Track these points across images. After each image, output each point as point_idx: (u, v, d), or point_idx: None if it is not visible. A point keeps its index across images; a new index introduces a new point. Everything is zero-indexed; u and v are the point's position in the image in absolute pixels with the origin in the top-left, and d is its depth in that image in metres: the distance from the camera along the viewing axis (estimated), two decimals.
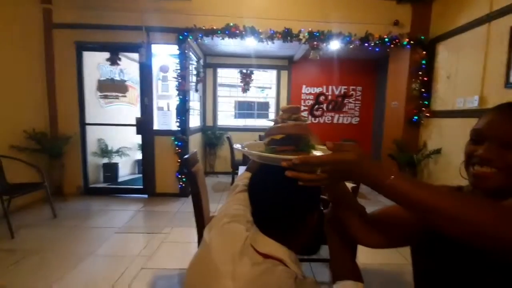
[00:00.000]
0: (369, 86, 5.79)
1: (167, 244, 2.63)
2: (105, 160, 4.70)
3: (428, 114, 3.82)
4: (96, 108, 4.48)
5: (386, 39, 3.76)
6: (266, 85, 6.04)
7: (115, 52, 3.98)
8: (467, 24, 3.20)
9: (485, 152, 0.62)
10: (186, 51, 3.81)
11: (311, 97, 5.80)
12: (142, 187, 4.12)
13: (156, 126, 4.06)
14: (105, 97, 4.58)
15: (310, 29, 3.72)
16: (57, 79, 3.86)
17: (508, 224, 0.45)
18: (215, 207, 3.59)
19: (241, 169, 2.72)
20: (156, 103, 4.25)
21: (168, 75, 4.32)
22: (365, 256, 2.28)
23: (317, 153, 0.67)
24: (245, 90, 5.69)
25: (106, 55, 4.00)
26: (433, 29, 3.81)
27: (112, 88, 4.59)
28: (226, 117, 6.01)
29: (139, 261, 2.31)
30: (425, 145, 3.89)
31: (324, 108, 5.84)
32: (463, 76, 3.28)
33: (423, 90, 3.84)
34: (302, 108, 5.78)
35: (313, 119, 5.80)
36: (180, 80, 3.79)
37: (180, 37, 3.72)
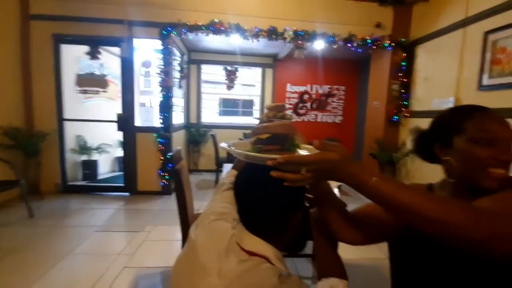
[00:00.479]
0: (352, 86, 5.93)
1: (149, 242, 2.59)
2: (84, 157, 4.54)
3: (407, 114, 3.97)
4: (75, 103, 4.31)
5: (369, 41, 3.86)
6: (251, 82, 6.04)
7: (95, 45, 3.85)
8: (444, 28, 3.34)
9: (506, 154, 0.65)
10: (169, 47, 3.74)
11: (296, 95, 5.86)
12: (123, 185, 4.02)
13: (138, 123, 3.97)
14: (84, 92, 4.41)
15: (295, 28, 3.75)
16: (33, 73, 3.68)
17: (478, 225, 0.48)
18: (199, 204, 3.57)
19: (226, 167, 2.71)
20: (138, 99, 4.14)
21: (151, 71, 4.22)
22: (345, 251, 2.34)
23: (302, 152, 0.68)
24: (229, 87, 5.66)
25: (86, 48, 3.86)
26: (413, 32, 3.95)
27: (91, 82, 4.43)
28: (210, 114, 5.96)
29: (121, 260, 2.26)
30: (404, 144, 4.04)
31: (308, 106, 5.92)
32: (440, 78, 3.42)
33: (403, 90, 3.97)
34: (287, 106, 5.83)
35: (297, 117, 5.87)
36: (163, 76, 3.72)
37: (164, 32, 3.65)
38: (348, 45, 3.86)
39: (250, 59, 5.56)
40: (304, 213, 0.69)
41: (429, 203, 0.51)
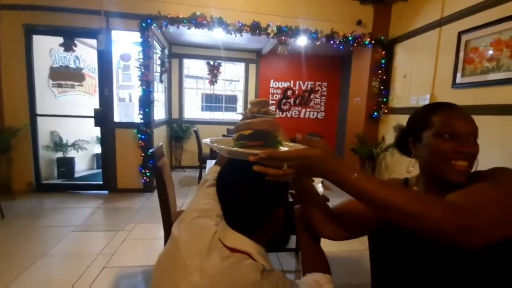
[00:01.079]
0: (334, 82, 6.03)
1: (130, 241, 2.53)
2: (60, 155, 4.34)
3: (386, 111, 4.09)
4: (49, 97, 4.10)
5: (350, 38, 3.92)
6: (234, 78, 5.99)
7: (69, 37, 3.66)
8: (421, 27, 3.46)
9: (468, 147, 0.68)
10: (149, 40, 3.62)
11: (279, 91, 5.89)
12: (101, 182, 3.89)
13: (117, 118, 3.84)
14: (59, 86, 4.21)
15: (278, 23, 3.74)
16: (3, 65, 3.45)
17: (449, 219, 0.52)
18: (181, 201, 3.52)
19: (209, 163, 2.69)
20: (117, 93, 4.00)
21: (130, 64, 4.07)
22: (327, 245, 2.40)
23: (284, 148, 0.69)
24: (212, 82, 5.59)
25: (60, 40, 3.66)
26: (392, 30, 4.05)
27: (66, 76, 4.23)
28: (192, 110, 5.86)
29: (100, 260, 2.19)
30: (383, 139, 4.17)
31: (292, 102, 5.96)
32: (417, 76, 3.55)
33: (382, 87, 4.08)
34: (270, 102, 5.85)
35: (280, 113, 5.90)
36: (143, 70, 3.61)
37: (143, 24, 3.53)
38: (331, 42, 3.91)
39: (233, 54, 5.51)
40: (287, 209, 0.70)
41: (405, 199, 0.54)
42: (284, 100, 5.92)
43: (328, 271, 0.75)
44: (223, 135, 4.78)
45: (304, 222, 0.86)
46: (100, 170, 4.17)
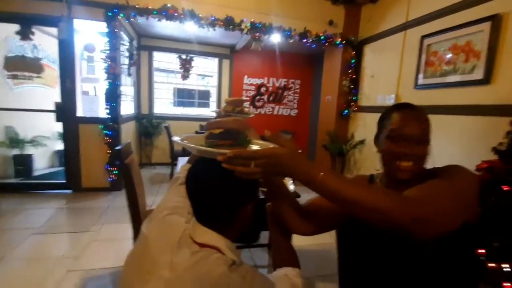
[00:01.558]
0: (307, 80, 6.14)
1: (97, 243, 2.41)
2: (16, 151, 4.00)
3: (355, 109, 4.25)
4: (3, 89, 3.75)
5: (322, 37, 4.01)
6: (207, 73, 5.88)
7: (27, 24, 3.36)
8: (388, 30, 3.62)
9: (409, 149, 0.75)
10: (116, 30, 3.43)
11: (253, 87, 5.88)
12: (64, 181, 3.65)
13: (80, 113, 3.61)
14: (14, 77, 3.86)
15: (252, 19, 3.72)
16: None
17: (403, 211, 0.57)
18: (152, 200, 3.41)
19: (181, 160, 2.63)
20: (81, 86, 3.75)
21: (95, 56, 3.83)
22: (296, 239, 2.47)
23: (256, 147, 0.71)
24: (184, 77, 5.45)
25: (16, 27, 3.35)
26: (362, 31, 4.21)
27: (23, 66, 3.89)
28: (164, 105, 5.68)
29: (64, 263, 2.07)
30: (352, 137, 4.34)
31: (265, 99, 5.99)
32: (384, 76, 3.72)
33: (352, 86, 4.23)
34: (244, 98, 5.83)
35: (254, 109, 5.91)
36: (109, 62, 3.41)
37: (109, 13, 3.33)
38: (303, 40, 3.97)
39: (207, 48, 5.40)
40: (256, 205, 0.71)
41: (367, 195, 0.58)
42: (258, 97, 5.94)
43: (297, 265, 0.79)
44: (196, 132, 4.70)
45: (275, 219, 0.88)
46: (62, 168, 3.90)
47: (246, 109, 1.17)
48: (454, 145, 2.60)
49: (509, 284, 1.40)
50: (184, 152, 4.05)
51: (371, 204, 0.58)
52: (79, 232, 2.56)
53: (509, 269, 1.40)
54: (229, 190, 0.64)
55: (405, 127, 0.76)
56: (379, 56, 3.84)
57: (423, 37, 3.03)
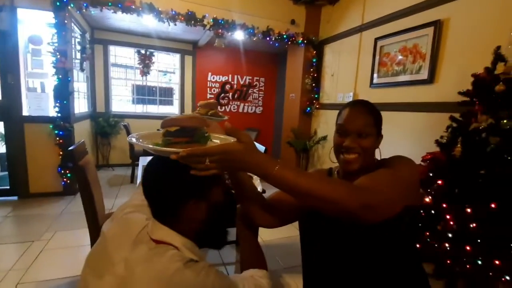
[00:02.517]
0: (271, 78, 6.23)
1: (49, 251, 2.21)
2: None
3: (317, 106, 4.42)
4: None
5: (284, 36, 4.09)
6: (169, 69, 5.68)
7: None
8: (346, 31, 3.82)
9: (350, 143, 0.82)
10: (66, 22, 3.16)
11: (217, 85, 5.82)
12: (8, 187, 3.29)
13: (25, 112, 3.27)
14: None
15: (215, 15, 3.67)
16: None
17: (351, 198, 0.62)
18: (111, 203, 3.23)
19: (142, 160, 2.51)
20: (26, 82, 3.39)
21: (42, 49, 3.48)
22: (264, 233, 2.53)
23: (216, 141, 0.71)
24: (144, 73, 5.20)
25: None
26: (322, 32, 4.37)
27: None
28: (122, 103, 5.36)
29: (12, 276, 1.87)
30: (315, 133, 4.51)
31: (230, 97, 5.96)
32: (343, 75, 3.92)
33: (314, 84, 4.39)
34: (209, 96, 5.74)
35: (219, 107, 5.85)
36: (59, 56, 3.13)
37: (57, 3, 3.05)
38: (267, 38, 4.02)
39: (168, 43, 5.21)
40: (212, 205, 0.69)
41: (319, 185, 0.62)
42: (222, 94, 5.88)
43: (264, 267, 0.80)
44: (158, 130, 4.52)
45: (244, 221, 0.90)
46: (6, 173, 3.51)
47: (220, 113, 1.17)
48: (404, 139, 2.83)
49: (449, 261, 1.57)
50: (146, 152, 3.88)
51: (323, 194, 0.61)
52: (27, 242, 2.32)
53: (448, 249, 1.57)
54: (172, 182, 0.64)
55: (348, 122, 0.84)
56: (338, 56, 4.03)
57: (377, 39, 3.24)
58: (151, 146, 0.62)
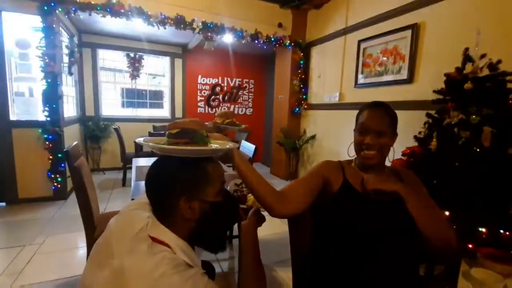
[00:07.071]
0: (261, 80, 6.33)
1: (41, 255, 2.22)
2: None
3: (306, 106, 4.54)
4: None
5: (272, 39, 4.20)
6: (158, 72, 5.69)
7: None
8: (331, 34, 3.95)
9: (371, 140, 0.93)
10: (54, 26, 3.17)
11: (207, 87, 5.87)
12: None
13: (13, 116, 3.25)
14: None
15: (204, 19, 3.73)
16: None
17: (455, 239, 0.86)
18: (103, 206, 3.24)
19: (135, 162, 2.54)
20: (13, 86, 3.36)
21: (29, 53, 3.47)
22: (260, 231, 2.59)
23: (212, 145, 0.79)
24: (134, 76, 5.21)
25: None
26: (308, 34, 4.50)
27: None
28: (112, 106, 5.34)
29: (4, 281, 1.88)
30: (304, 133, 4.62)
31: (220, 99, 6.02)
32: (329, 76, 4.05)
33: (302, 86, 4.51)
34: (199, 98, 5.79)
35: (209, 109, 5.90)
36: (47, 60, 3.13)
37: (45, 7, 3.06)
38: (255, 41, 4.11)
39: (157, 47, 5.23)
40: (207, 207, 0.72)
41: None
42: (213, 97, 5.94)
43: (263, 279, 0.83)
44: (149, 133, 4.54)
45: (253, 238, 0.86)
46: None
47: (237, 122, 1.19)
48: None
49: None
50: (138, 154, 3.90)
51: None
52: (19, 246, 2.32)
53: None
54: (164, 179, 0.70)
55: (368, 122, 0.94)
56: (324, 58, 4.16)
57: (360, 41, 3.38)
58: (151, 144, 0.71)
